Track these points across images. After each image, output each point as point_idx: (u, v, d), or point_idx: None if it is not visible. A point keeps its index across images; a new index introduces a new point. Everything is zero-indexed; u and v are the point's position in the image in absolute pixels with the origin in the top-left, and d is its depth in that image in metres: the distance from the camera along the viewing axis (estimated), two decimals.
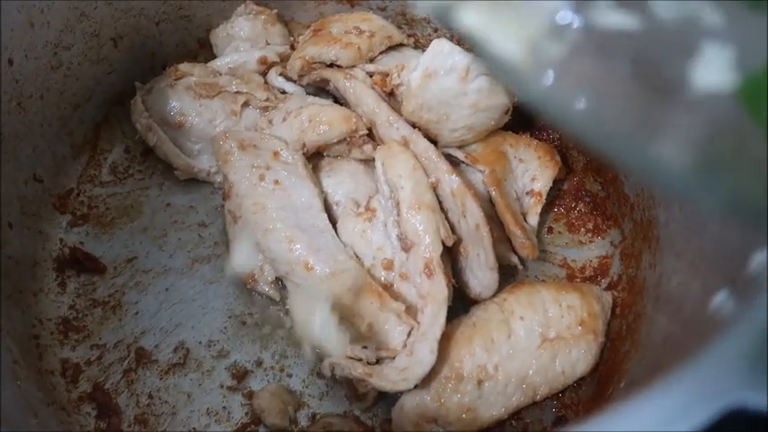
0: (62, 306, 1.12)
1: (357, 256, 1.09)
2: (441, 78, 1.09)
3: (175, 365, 1.08)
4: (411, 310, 1.03)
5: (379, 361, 1.02)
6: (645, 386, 0.57)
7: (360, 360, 1.01)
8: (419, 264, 1.03)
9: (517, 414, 1.04)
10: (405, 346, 1.01)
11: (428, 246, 1.02)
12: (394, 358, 1.01)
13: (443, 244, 1.03)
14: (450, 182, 1.07)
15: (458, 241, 1.07)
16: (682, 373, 0.57)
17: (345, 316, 1.04)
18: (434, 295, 1.01)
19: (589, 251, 1.21)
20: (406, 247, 1.04)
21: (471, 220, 1.05)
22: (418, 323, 1.01)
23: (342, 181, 1.18)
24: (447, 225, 1.06)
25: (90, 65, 1.20)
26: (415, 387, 0.99)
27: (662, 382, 0.56)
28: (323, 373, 1.03)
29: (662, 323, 0.94)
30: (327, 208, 1.15)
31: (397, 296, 1.05)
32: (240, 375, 1.07)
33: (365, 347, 1.02)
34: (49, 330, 1.09)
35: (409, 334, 1.01)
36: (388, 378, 0.98)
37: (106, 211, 1.23)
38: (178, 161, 1.21)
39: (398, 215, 1.05)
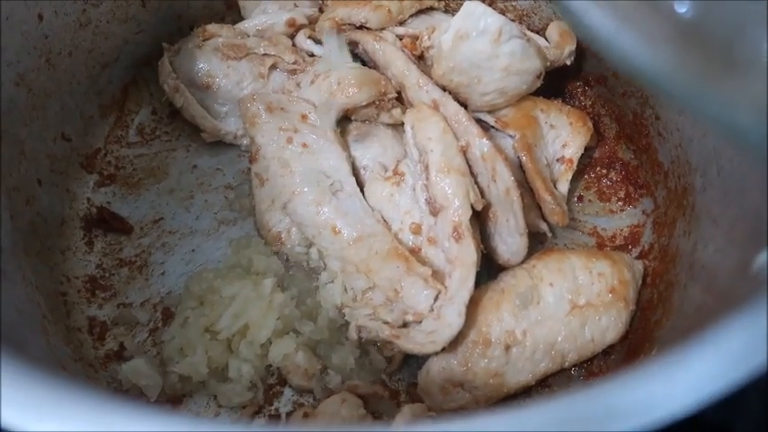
0: (89, 265, 1.13)
1: (385, 221, 1.08)
2: (472, 40, 1.07)
3: None
4: (438, 275, 1.02)
5: (405, 325, 1.02)
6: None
7: (386, 323, 1.01)
8: (448, 228, 1.01)
9: (544, 381, 1.03)
10: (432, 310, 1.00)
11: (457, 209, 1.01)
12: (420, 322, 1.00)
13: (473, 208, 1.02)
14: (480, 146, 1.05)
15: (487, 206, 1.05)
16: (716, 336, 0.56)
17: (371, 280, 1.03)
18: (463, 259, 1.00)
19: (620, 220, 1.19)
20: (435, 211, 1.03)
21: (501, 184, 1.04)
22: (446, 287, 1.00)
23: (370, 146, 1.17)
24: (477, 189, 1.04)
25: (118, 24, 1.19)
26: (442, 351, 0.99)
27: (696, 345, 0.55)
28: (350, 336, 1.02)
29: (695, 291, 0.92)
30: (355, 172, 1.14)
31: (424, 261, 1.04)
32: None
33: (392, 310, 1.01)
34: (77, 288, 1.10)
35: (436, 298, 1.00)
36: (415, 340, 0.98)
37: (133, 171, 1.22)
38: (205, 123, 1.21)
39: (427, 179, 1.03)
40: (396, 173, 1.11)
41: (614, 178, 1.22)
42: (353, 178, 1.11)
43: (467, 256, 1.00)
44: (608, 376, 0.59)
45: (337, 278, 1.06)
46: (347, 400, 0.98)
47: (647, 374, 0.54)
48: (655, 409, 0.52)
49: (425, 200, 1.04)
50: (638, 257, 1.13)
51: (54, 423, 0.52)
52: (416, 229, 1.06)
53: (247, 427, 0.98)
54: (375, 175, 1.12)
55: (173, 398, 1.02)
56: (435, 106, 1.10)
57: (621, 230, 1.18)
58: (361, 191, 1.11)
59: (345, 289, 1.05)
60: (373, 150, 1.16)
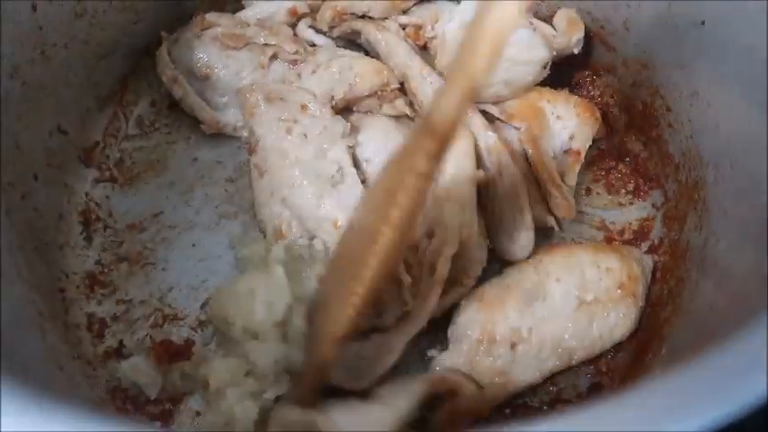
0: (88, 260, 1.10)
1: None
2: None
3: (202, 322, 1.06)
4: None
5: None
6: (689, 354, 0.53)
7: None
8: (430, 257, 0.98)
9: (551, 379, 1.01)
10: (395, 325, 0.96)
11: (443, 241, 0.98)
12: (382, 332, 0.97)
13: (462, 241, 0.98)
14: (486, 138, 1.03)
15: (493, 200, 1.03)
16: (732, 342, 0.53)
17: None
18: (423, 300, 0.96)
19: (629, 213, 1.16)
20: (429, 234, 1.00)
21: (508, 178, 1.01)
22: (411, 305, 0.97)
23: (372, 137, 1.14)
24: (476, 224, 1.00)
25: (115, 13, 1.16)
26: (445, 350, 0.97)
27: (711, 351, 0.53)
28: None
29: (707, 289, 0.89)
30: (356, 165, 1.11)
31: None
32: None
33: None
34: (75, 284, 1.08)
35: (401, 315, 0.97)
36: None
37: (132, 165, 1.20)
38: (204, 115, 1.18)
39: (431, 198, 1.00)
40: None
41: (623, 170, 1.19)
42: (355, 171, 1.09)
43: (427, 299, 0.95)
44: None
45: None
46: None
47: None
48: None
49: (422, 217, 1.01)
50: (647, 252, 1.11)
51: None
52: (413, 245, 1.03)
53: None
54: None
55: (173, 396, 1.00)
56: None
57: (630, 224, 1.15)
58: (363, 183, 1.09)
59: None
60: (375, 143, 1.13)
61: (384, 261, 0.74)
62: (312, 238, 1.07)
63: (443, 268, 0.96)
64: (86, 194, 1.16)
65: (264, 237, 1.10)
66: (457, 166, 1.00)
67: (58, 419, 0.53)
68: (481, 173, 1.01)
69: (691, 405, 0.48)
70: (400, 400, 0.85)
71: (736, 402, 0.48)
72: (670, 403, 0.48)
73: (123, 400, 1.00)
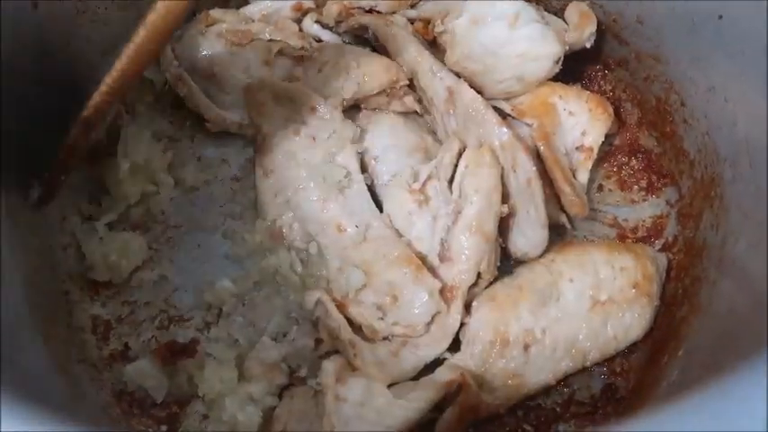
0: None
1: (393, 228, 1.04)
2: (488, 26, 1.03)
3: (208, 324, 1.05)
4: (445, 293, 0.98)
5: (387, 338, 0.98)
6: (709, 357, 0.51)
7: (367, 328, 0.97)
8: (446, 283, 0.98)
9: (564, 380, 0.99)
10: (427, 330, 0.96)
11: (462, 272, 0.97)
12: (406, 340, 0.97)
13: (479, 276, 0.98)
14: (500, 134, 1.00)
15: (506, 198, 1.01)
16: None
17: (369, 280, 0.99)
18: (441, 327, 0.96)
19: (642, 210, 1.14)
20: (443, 258, 0.99)
21: (522, 174, 0.99)
22: (448, 308, 0.96)
23: (380, 135, 1.12)
24: (493, 260, 1.00)
25: (117, 10, 1.14)
26: (457, 353, 0.96)
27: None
28: (305, 304, 1.00)
29: (726, 290, 0.87)
30: (365, 164, 1.09)
31: None
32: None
33: (381, 318, 0.97)
34: (79, 286, 1.06)
35: (434, 317, 0.96)
36: (366, 362, 0.94)
37: None
38: (209, 113, 1.16)
39: (453, 224, 0.99)
40: (422, 191, 1.03)
41: (636, 167, 1.17)
42: (362, 177, 1.07)
43: (447, 325, 0.96)
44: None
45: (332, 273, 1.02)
46: (295, 395, 0.95)
47: None
48: None
49: (440, 240, 0.99)
50: (661, 250, 1.09)
51: None
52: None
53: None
54: (402, 181, 1.05)
55: (180, 399, 0.99)
56: (450, 93, 1.06)
57: (644, 221, 1.13)
58: (371, 182, 1.08)
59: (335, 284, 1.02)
60: (384, 141, 1.11)
61: (132, 58, 0.86)
62: (309, 241, 1.05)
63: (461, 299, 0.97)
64: (90, 194, 1.14)
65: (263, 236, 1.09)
66: (486, 200, 0.98)
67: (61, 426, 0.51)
68: (506, 208, 1.00)
69: None
70: (415, 402, 0.85)
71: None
72: None
73: (129, 403, 0.99)
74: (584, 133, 1.11)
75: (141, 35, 0.84)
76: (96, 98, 0.90)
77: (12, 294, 0.86)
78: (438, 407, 0.91)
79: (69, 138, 0.93)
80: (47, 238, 1.04)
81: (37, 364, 0.85)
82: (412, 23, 1.15)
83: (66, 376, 0.92)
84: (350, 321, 0.98)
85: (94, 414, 0.94)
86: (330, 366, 0.89)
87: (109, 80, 0.88)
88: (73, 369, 0.95)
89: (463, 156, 1.02)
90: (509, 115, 1.08)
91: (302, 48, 1.16)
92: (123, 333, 1.04)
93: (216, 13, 1.18)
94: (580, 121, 1.12)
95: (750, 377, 0.48)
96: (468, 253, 0.97)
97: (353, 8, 1.17)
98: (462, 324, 0.97)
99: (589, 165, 1.10)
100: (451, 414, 0.90)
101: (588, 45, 1.13)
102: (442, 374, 0.92)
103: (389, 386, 0.91)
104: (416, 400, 0.87)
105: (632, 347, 1.00)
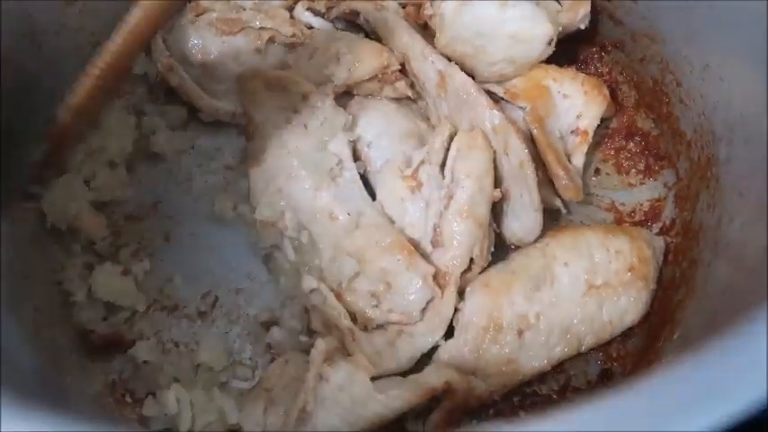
0: (85, 252, 1.08)
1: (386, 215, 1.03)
2: (476, 6, 1.01)
3: (203, 313, 1.05)
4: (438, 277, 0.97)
5: (382, 326, 0.97)
6: (702, 339, 0.50)
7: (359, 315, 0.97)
8: (440, 269, 0.97)
9: (560, 366, 0.98)
10: (421, 317, 0.95)
11: (454, 258, 0.96)
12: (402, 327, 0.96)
13: (471, 262, 0.97)
14: (491, 117, 0.99)
15: (499, 181, 1.00)
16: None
17: (362, 268, 0.98)
18: (437, 310, 0.95)
19: (639, 194, 1.13)
20: (436, 244, 0.98)
21: (515, 158, 0.98)
22: (442, 293, 0.95)
23: (373, 121, 1.11)
24: (486, 246, 0.99)
25: (107, 0, 1.13)
26: (451, 339, 0.95)
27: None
28: (302, 289, 0.99)
29: (721, 270, 0.86)
30: (358, 150, 1.08)
31: None
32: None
33: (375, 306, 0.96)
34: (71, 277, 1.05)
35: (428, 303, 0.95)
36: (363, 351, 0.94)
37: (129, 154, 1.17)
38: (201, 102, 1.15)
39: (445, 208, 0.97)
40: (414, 177, 1.02)
41: (633, 150, 1.15)
42: (354, 165, 1.06)
43: (441, 312, 0.95)
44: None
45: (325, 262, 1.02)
46: (291, 360, 0.95)
47: None
48: None
49: (433, 226, 0.98)
50: (658, 233, 1.08)
51: None
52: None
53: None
54: (394, 167, 1.04)
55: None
56: (441, 77, 1.04)
57: (641, 205, 1.12)
58: (364, 170, 1.07)
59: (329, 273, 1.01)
60: (377, 127, 1.10)
61: (125, 39, 0.84)
62: (301, 230, 1.04)
63: (454, 284, 0.96)
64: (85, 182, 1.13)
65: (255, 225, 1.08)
66: (478, 185, 0.97)
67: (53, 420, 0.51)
68: (498, 193, 0.99)
69: (692, 405, 0.44)
70: (393, 401, 0.84)
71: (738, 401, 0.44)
72: (672, 404, 0.45)
73: (122, 393, 0.99)
74: (579, 116, 1.10)
75: (136, 15, 0.83)
76: (86, 81, 0.87)
77: (4, 284, 0.86)
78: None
79: (56, 125, 0.91)
80: (40, 228, 1.04)
81: (32, 353, 0.85)
82: (403, 7, 1.14)
83: (58, 368, 0.92)
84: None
85: (87, 405, 0.95)
86: (322, 345, 0.88)
87: (100, 62, 0.85)
88: (65, 360, 0.95)
89: (455, 139, 1.01)
90: (502, 98, 1.07)
91: (293, 35, 1.15)
92: (118, 322, 1.03)
93: (206, 2, 1.17)
94: (575, 104, 1.10)
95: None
96: (459, 238, 0.95)
97: None
98: (456, 310, 0.96)
99: (584, 148, 1.09)
100: (438, 417, 0.89)
101: (583, 26, 1.11)
102: (429, 377, 0.90)
103: (379, 377, 0.90)
104: (394, 399, 0.85)
105: (628, 332, 0.99)
